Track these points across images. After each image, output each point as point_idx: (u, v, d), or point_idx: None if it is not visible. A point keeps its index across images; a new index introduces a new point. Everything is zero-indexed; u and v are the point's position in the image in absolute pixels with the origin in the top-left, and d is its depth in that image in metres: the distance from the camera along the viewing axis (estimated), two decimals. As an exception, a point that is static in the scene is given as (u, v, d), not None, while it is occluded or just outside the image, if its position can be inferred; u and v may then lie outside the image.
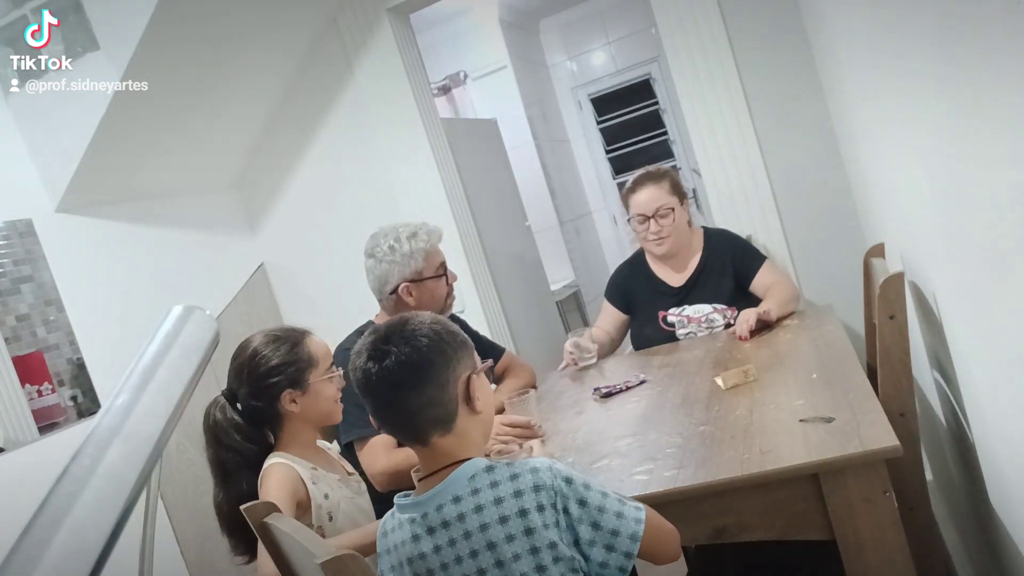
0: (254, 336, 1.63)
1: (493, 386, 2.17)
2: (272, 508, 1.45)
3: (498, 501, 1.05)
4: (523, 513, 1.04)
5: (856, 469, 1.17)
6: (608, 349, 2.40)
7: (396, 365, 1.10)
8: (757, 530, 1.20)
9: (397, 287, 1.97)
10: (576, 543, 1.05)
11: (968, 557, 1.70)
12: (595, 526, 1.05)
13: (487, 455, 1.18)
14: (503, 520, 1.04)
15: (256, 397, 1.59)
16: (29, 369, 2.19)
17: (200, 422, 1.59)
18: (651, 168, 2.41)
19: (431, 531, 1.08)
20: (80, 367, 2.32)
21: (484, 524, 1.05)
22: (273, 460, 1.55)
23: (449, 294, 2.04)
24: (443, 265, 2.03)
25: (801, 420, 1.35)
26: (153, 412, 0.95)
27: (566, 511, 1.05)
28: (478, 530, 1.05)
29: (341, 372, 1.66)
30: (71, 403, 2.28)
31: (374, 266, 2.00)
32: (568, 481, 1.06)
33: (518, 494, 1.05)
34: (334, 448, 1.84)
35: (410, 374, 1.10)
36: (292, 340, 1.61)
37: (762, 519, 1.17)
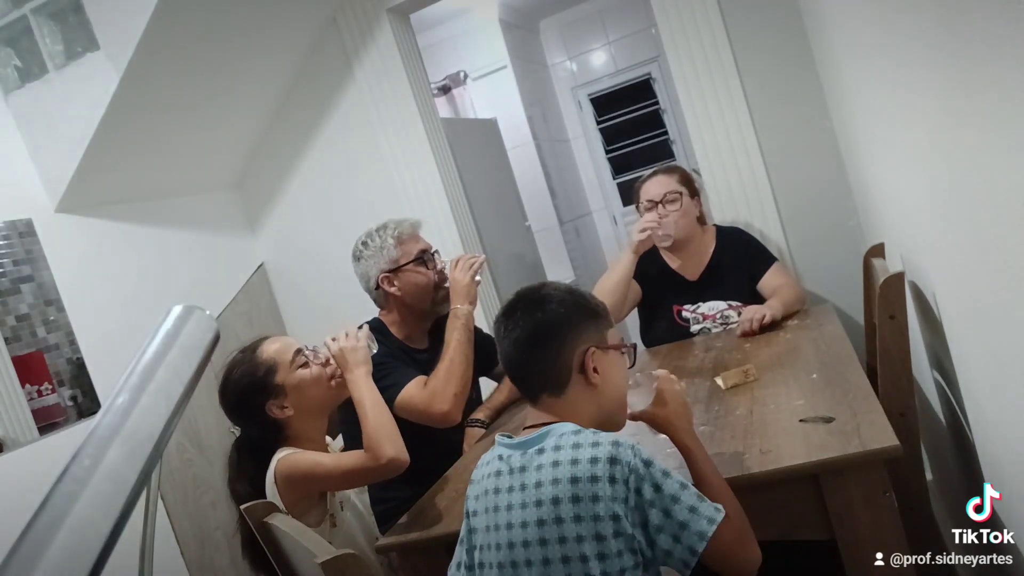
0: (220, 372, 1.63)
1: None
2: (272, 508, 1.45)
3: (574, 461, 1.07)
4: (594, 479, 1.05)
5: (856, 469, 1.17)
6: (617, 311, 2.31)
7: (519, 324, 1.18)
8: (757, 530, 1.19)
9: (378, 280, 2.00)
10: (644, 525, 1.05)
11: (968, 557, 1.69)
12: (666, 513, 1.05)
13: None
14: (574, 480, 1.06)
15: (249, 425, 1.63)
16: (29, 369, 2.19)
17: (200, 422, 1.60)
18: (662, 166, 2.45)
19: (511, 471, 1.13)
20: (80, 367, 2.32)
21: (556, 479, 1.07)
22: (282, 453, 1.54)
23: (439, 286, 2.03)
24: (423, 252, 2.04)
25: (801, 420, 1.35)
26: (153, 412, 0.95)
27: (639, 492, 1.05)
28: (549, 483, 1.07)
29: (316, 353, 1.64)
30: (71, 403, 2.28)
31: (357, 266, 2.06)
32: (647, 463, 1.07)
33: (594, 460, 1.06)
34: (335, 444, 1.84)
35: (528, 335, 1.18)
36: (246, 359, 1.60)
37: (762, 519, 1.16)
